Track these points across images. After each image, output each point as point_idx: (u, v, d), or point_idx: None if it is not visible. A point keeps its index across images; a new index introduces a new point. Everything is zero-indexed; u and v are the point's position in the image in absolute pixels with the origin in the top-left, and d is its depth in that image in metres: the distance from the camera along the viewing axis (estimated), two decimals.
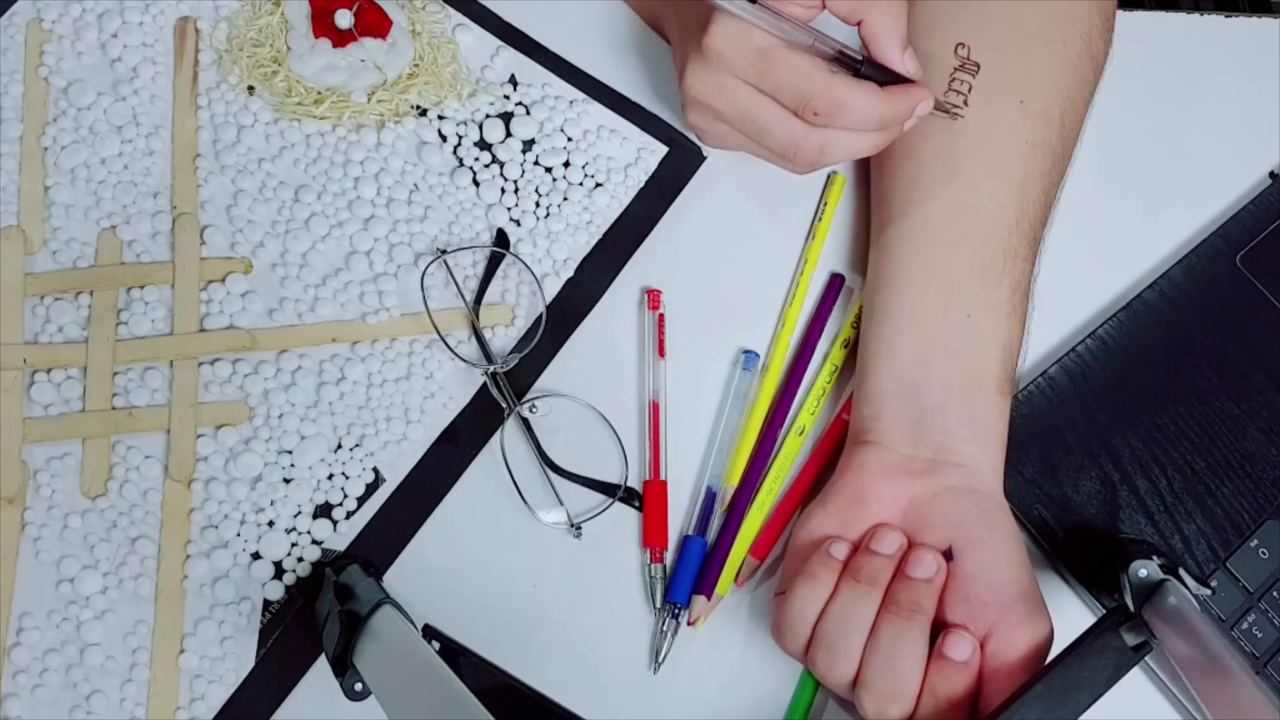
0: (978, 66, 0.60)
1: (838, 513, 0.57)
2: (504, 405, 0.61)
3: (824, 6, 0.55)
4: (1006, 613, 0.53)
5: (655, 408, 0.62)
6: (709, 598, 0.60)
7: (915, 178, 0.61)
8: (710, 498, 0.61)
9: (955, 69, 0.61)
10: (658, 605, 0.59)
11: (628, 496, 0.61)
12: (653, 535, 0.60)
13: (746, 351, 0.63)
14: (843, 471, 0.58)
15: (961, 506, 0.56)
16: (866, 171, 0.67)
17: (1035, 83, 0.61)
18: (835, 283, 0.65)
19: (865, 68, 0.56)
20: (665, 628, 0.59)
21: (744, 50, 0.55)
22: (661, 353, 0.62)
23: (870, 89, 0.56)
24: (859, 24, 0.56)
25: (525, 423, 0.61)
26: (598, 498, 0.61)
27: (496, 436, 0.61)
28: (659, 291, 0.64)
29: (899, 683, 0.52)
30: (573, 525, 0.60)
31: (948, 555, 0.55)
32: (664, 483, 0.61)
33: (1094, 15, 0.63)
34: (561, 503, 0.60)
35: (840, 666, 0.53)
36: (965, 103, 0.60)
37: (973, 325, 0.58)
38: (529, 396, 0.62)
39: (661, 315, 0.63)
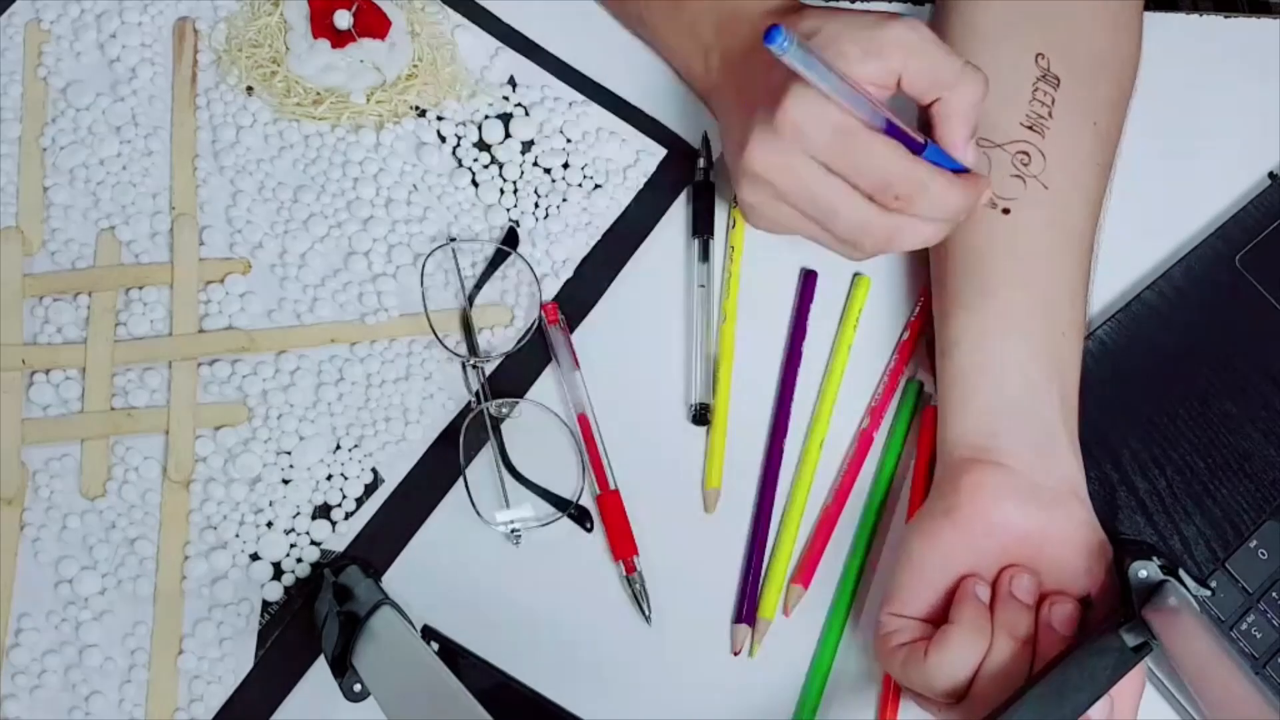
0: (1058, 80, 0.59)
1: (970, 539, 0.55)
2: (475, 399, 0.61)
3: (899, 88, 0.52)
4: None
5: (583, 420, 0.61)
6: (751, 625, 0.60)
7: (1003, 185, 0.59)
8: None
9: (1038, 79, 0.59)
10: (648, 614, 0.59)
11: (579, 515, 0.61)
12: (620, 547, 0.60)
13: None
14: (968, 492, 0.55)
15: (1094, 551, 0.55)
16: None
17: (1103, 105, 0.61)
18: (810, 280, 0.65)
19: (927, 153, 0.52)
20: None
21: (822, 127, 0.51)
22: (576, 364, 0.62)
23: (948, 176, 0.52)
24: (934, 102, 0.52)
25: (493, 421, 0.61)
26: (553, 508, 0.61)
27: (462, 430, 0.60)
28: (555, 305, 0.63)
29: None
30: (513, 532, 0.60)
31: (1086, 602, 0.55)
32: (616, 492, 0.61)
33: (1139, 44, 0.64)
34: (508, 506, 0.60)
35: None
36: (1050, 114, 0.59)
37: (1066, 344, 0.57)
38: (508, 399, 0.61)
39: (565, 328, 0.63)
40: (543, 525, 0.60)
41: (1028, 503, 0.55)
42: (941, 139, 0.53)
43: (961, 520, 0.55)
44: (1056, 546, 0.55)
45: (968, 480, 0.55)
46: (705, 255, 0.64)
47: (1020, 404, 0.56)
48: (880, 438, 0.63)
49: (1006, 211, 0.58)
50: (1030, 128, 0.59)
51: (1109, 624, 0.52)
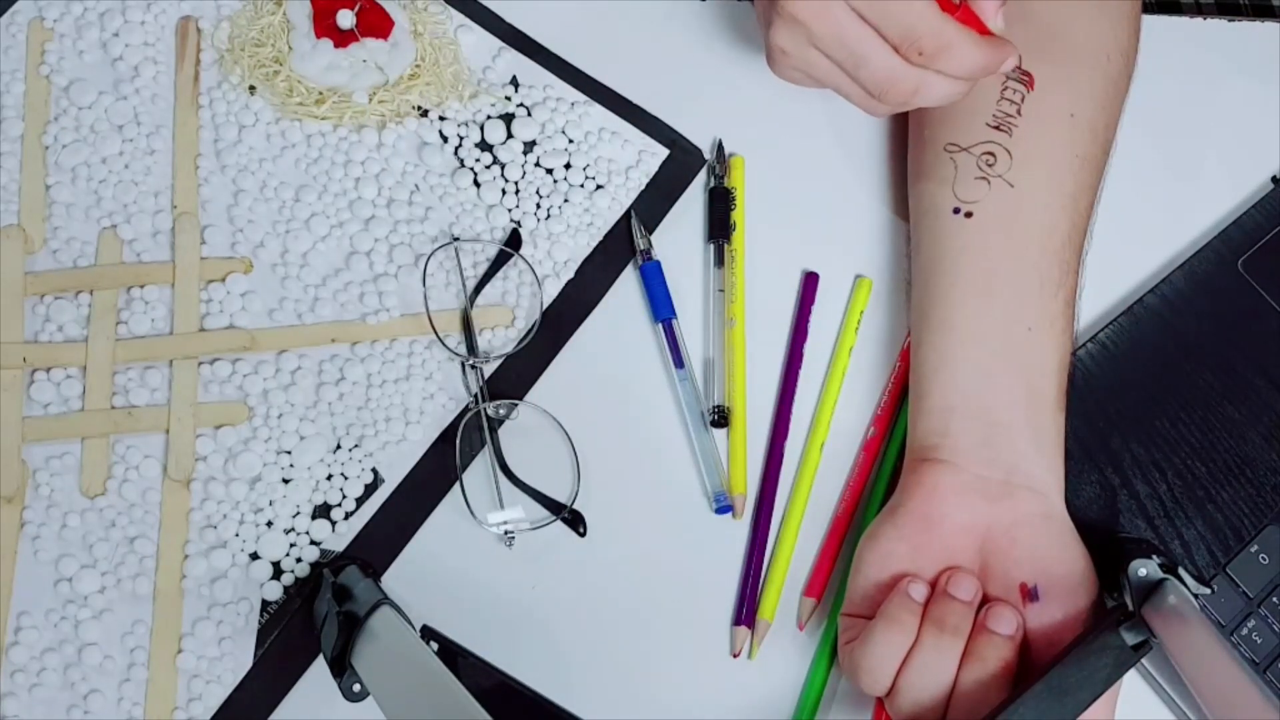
0: (1029, 77, 0.60)
1: (910, 536, 0.55)
2: (473, 399, 0.61)
3: None
4: None
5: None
6: (750, 627, 0.60)
7: (967, 189, 0.60)
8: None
9: (1007, 78, 0.60)
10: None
11: (573, 519, 0.60)
12: None
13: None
14: (911, 491, 0.56)
15: (1042, 542, 0.55)
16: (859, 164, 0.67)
17: (1083, 96, 0.61)
18: (811, 281, 0.65)
19: (958, 15, 0.53)
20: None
21: None
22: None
23: (973, 36, 0.53)
24: None
25: (490, 421, 0.61)
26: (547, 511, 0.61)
27: (458, 430, 0.60)
28: None
29: None
30: (506, 534, 0.60)
31: (1032, 594, 0.54)
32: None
33: (1131, 33, 0.63)
34: (503, 508, 0.60)
35: (926, 716, 0.52)
36: (1018, 112, 0.59)
37: (1033, 339, 0.57)
38: (505, 400, 0.61)
39: None
40: (535, 528, 0.60)
41: (970, 496, 0.55)
42: (972, 1, 0.53)
43: (900, 518, 0.56)
44: (1003, 538, 0.55)
45: (912, 479, 0.56)
46: (721, 260, 0.65)
47: (969, 401, 0.57)
48: (885, 444, 0.63)
49: (969, 215, 0.59)
50: (997, 127, 0.60)
51: (1108, 622, 0.52)
